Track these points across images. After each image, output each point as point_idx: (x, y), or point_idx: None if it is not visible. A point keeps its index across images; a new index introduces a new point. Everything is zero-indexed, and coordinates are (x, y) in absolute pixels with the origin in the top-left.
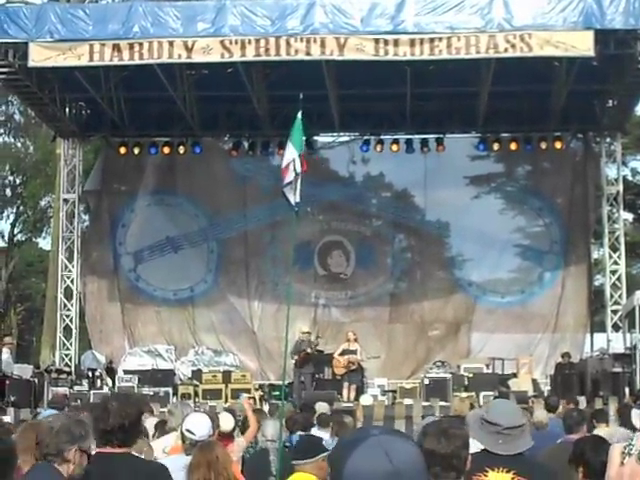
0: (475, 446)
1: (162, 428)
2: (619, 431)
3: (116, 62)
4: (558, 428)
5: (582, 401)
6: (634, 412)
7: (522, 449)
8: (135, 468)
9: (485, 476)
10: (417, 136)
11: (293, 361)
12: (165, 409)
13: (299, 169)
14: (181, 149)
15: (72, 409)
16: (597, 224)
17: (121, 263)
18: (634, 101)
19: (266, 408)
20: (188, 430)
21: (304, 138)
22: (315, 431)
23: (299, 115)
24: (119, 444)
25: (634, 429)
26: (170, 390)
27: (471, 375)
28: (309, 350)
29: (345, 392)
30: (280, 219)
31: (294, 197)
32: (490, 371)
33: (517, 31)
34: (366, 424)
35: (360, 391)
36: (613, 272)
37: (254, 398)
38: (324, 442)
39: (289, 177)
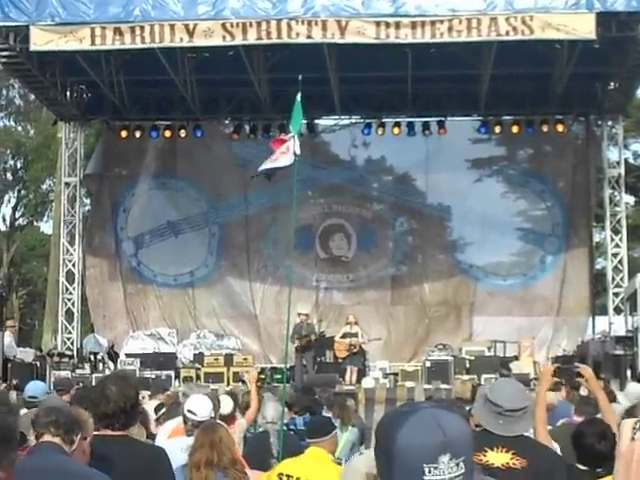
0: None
1: (161, 410)
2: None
3: (118, 46)
4: (565, 410)
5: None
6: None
7: (521, 432)
8: (134, 451)
9: (484, 455)
10: (418, 119)
11: (295, 345)
12: (168, 392)
13: (298, 150)
14: (182, 133)
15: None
16: (599, 207)
17: (123, 248)
18: (636, 84)
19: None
20: (190, 411)
21: (303, 121)
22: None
23: (298, 97)
24: (119, 427)
25: None
26: (172, 373)
27: (473, 358)
28: (313, 337)
29: (347, 375)
30: (281, 203)
31: (267, 166)
32: (492, 354)
33: (518, 13)
34: (368, 407)
35: (362, 374)
36: (615, 255)
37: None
38: None
39: (285, 158)
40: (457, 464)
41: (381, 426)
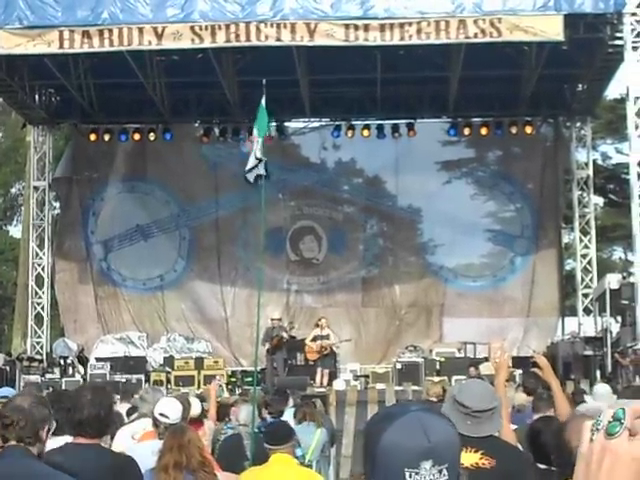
0: None
1: (133, 414)
2: (592, 406)
3: (86, 49)
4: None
5: None
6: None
7: (489, 432)
8: (103, 460)
9: None
10: (388, 121)
11: (266, 347)
12: (137, 395)
13: (259, 154)
14: (151, 136)
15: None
16: (568, 208)
17: (93, 252)
18: (604, 85)
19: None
20: (162, 414)
21: (271, 124)
22: (287, 416)
23: (262, 101)
24: (92, 434)
25: None
26: (142, 377)
27: (443, 359)
28: (284, 334)
29: (318, 377)
30: (251, 205)
31: (251, 175)
32: (462, 355)
33: (487, 16)
34: (339, 409)
35: (333, 376)
36: (584, 256)
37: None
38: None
39: (250, 163)
40: (440, 471)
41: (369, 425)
